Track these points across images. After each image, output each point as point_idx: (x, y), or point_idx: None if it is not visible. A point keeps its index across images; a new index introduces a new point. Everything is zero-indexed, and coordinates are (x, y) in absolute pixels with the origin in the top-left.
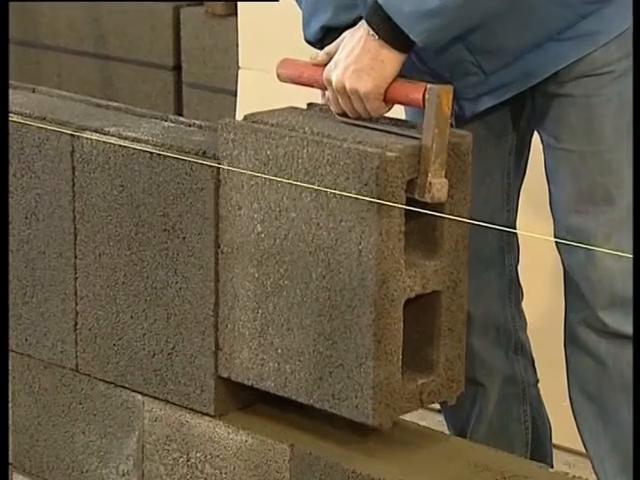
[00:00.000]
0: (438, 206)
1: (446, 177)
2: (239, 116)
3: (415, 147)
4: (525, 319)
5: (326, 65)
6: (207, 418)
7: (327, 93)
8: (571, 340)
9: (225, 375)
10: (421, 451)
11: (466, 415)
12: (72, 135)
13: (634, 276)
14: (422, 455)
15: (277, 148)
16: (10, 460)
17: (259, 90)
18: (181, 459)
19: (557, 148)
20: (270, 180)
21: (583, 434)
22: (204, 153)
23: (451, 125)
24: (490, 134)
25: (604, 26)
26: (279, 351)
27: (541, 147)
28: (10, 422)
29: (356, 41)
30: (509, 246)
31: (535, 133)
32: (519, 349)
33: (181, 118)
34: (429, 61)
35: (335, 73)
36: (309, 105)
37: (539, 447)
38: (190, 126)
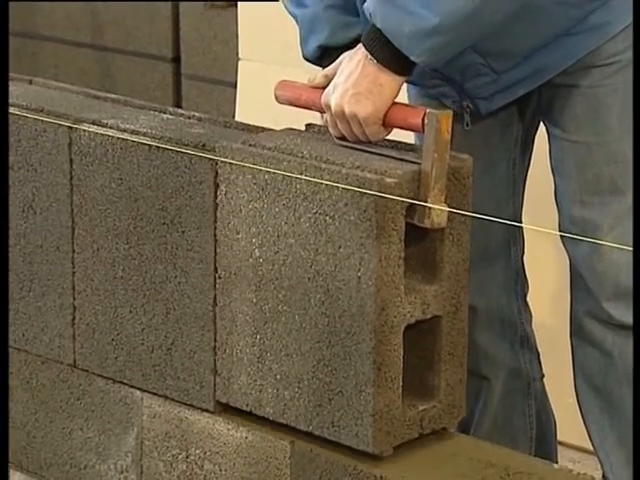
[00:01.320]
0: (438, 231)
1: (446, 202)
2: (239, 108)
3: (414, 172)
4: (531, 312)
5: (324, 88)
6: (206, 414)
7: (326, 116)
8: (577, 332)
9: (223, 400)
10: (424, 448)
11: (470, 409)
12: (70, 127)
13: (634, 271)
14: (425, 452)
15: (275, 173)
16: None
17: (259, 82)
18: (180, 456)
19: (563, 139)
20: (268, 205)
21: (589, 426)
22: (203, 146)
23: (467, 125)
24: (496, 124)
25: (611, 18)
26: (278, 377)
27: (546, 139)
28: None
29: (354, 65)
30: (514, 238)
31: (541, 126)
32: (524, 342)
33: (180, 110)
34: (439, 66)
35: (334, 97)
36: (307, 126)
37: (544, 442)
38: (189, 118)
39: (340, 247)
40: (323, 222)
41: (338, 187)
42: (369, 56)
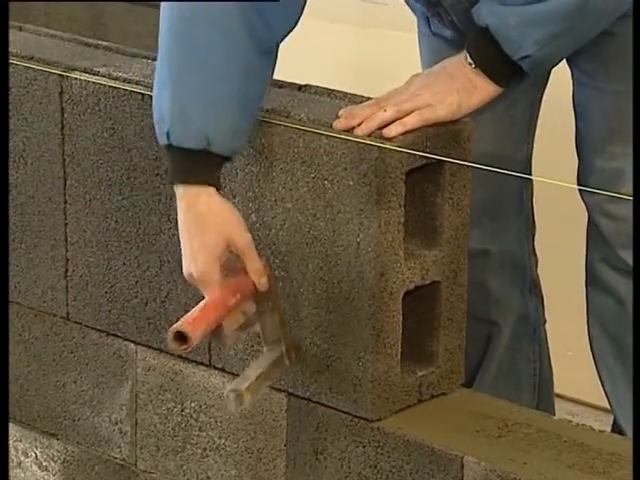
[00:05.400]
0: (438, 195)
1: (446, 165)
2: None
3: (415, 136)
4: (537, 256)
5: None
6: (202, 367)
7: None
8: (592, 280)
9: (219, 366)
10: (422, 402)
11: (479, 356)
12: (61, 75)
13: (634, 278)
14: (423, 405)
15: (272, 136)
16: None
17: None
18: (175, 409)
19: (590, 86)
20: (265, 169)
21: (601, 373)
22: None
23: None
24: None
25: None
26: None
27: (570, 82)
28: None
29: (441, 68)
30: (526, 182)
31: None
32: (532, 288)
33: None
34: (549, 66)
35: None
36: (305, 87)
37: (544, 389)
38: None
39: (339, 212)
40: (322, 186)
41: (337, 152)
42: (468, 58)
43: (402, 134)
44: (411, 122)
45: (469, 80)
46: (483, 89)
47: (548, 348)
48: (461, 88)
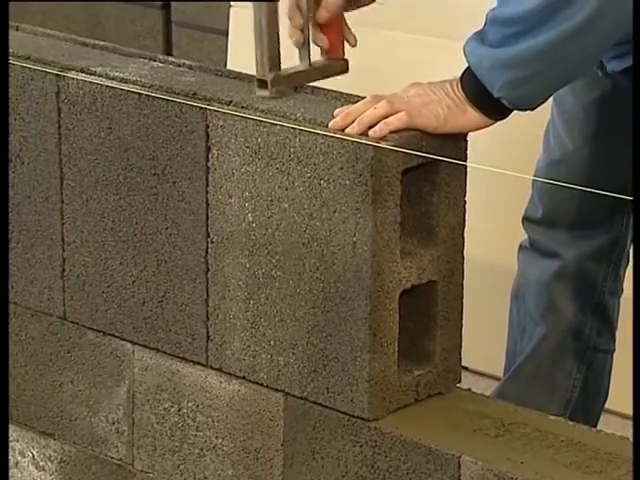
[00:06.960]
0: (434, 194)
1: (442, 164)
2: (231, 56)
3: (410, 136)
4: (622, 285)
5: None
6: (199, 367)
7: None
8: None
9: (216, 366)
10: (420, 402)
11: (521, 349)
12: (57, 75)
13: (634, 278)
14: (420, 405)
15: (268, 136)
16: None
17: (251, 29)
18: (172, 408)
19: None
20: (261, 169)
21: None
22: (194, 94)
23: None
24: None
25: None
26: (272, 343)
27: None
28: None
29: (439, 88)
30: (623, 206)
31: None
32: (598, 310)
33: (170, 58)
34: (526, 105)
35: (404, 91)
36: (300, 86)
37: (586, 411)
38: (180, 66)
39: (335, 212)
40: (318, 186)
41: (333, 151)
42: (459, 84)
43: (388, 134)
44: (395, 122)
45: (462, 103)
46: (472, 116)
47: (606, 376)
48: (452, 105)
